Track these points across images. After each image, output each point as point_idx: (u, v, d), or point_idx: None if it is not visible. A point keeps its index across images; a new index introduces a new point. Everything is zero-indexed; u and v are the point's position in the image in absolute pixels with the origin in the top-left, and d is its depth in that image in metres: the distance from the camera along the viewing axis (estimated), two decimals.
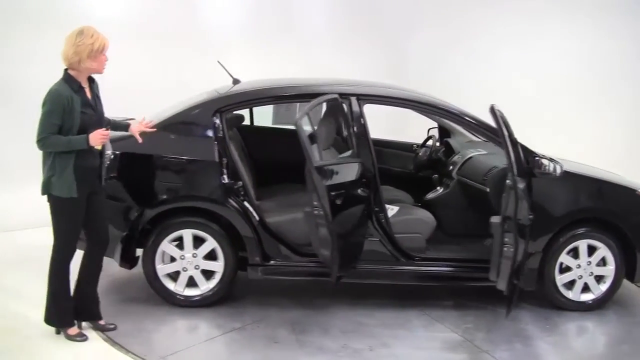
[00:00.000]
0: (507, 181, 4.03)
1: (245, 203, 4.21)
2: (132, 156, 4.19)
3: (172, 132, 4.24)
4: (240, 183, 4.22)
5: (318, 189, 3.58)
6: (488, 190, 4.47)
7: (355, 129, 4.26)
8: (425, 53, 8.88)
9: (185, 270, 4.24)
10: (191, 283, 4.28)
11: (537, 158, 4.16)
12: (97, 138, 3.48)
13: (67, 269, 3.68)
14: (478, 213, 4.89)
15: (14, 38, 5.99)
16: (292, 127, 5.93)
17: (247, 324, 4.08)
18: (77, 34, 3.48)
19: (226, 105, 4.32)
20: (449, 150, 5.46)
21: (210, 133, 4.22)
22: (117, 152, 4.10)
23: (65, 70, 3.54)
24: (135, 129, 3.86)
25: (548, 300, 4.46)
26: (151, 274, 4.24)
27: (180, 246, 4.23)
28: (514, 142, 3.87)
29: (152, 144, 4.19)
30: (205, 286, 4.27)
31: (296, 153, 5.48)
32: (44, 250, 5.15)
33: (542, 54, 7.64)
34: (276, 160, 5.32)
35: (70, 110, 3.44)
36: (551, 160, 4.15)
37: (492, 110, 3.74)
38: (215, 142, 4.20)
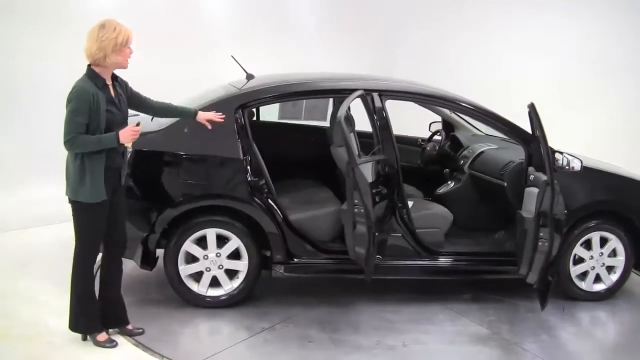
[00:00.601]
0: (532, 176, 4.12)
1: (269, 200, 4.15)
2: (152, 154, 4.07)
3: (194, 129, 4.12)
4: (263, 180, 4.15)
5: (361, 186, 3.55)
6: (505, 184, 4.52)
7: (378, 124, 4.24)
8: (414, 51, 8.87)
9: (208, 271, 4.15)
10: (213, 283, 4.19)
11: (557, 154, 4.24)
12: (128, 135, 3.34)
13: (91, 272, 3.56)
14: (490, 207, 4.97)
15: (14, 37, 5.78)
16: (297, 122, 5.94)
17: (275, 324, 4.02)
18: (99, 28, 3.32)
19: (251, 101, 4.24)
20: (455, 144, 5.50)
21: (233, 129, 4.12)
22: (135, 149, 3.98)
23: (89, 66, 3.39)
24: (203, 118, 3.85)
25: (561, 291, 4.56)
26: (174, 276, 4.13)
27: (203, 246, 4.14)
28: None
29: (173, 141, 4.10)
30: (229, 286, 4.19)
31: (302, 149, 5.49)
32: (47, 249, 5.02)
33: (541, 51, 7.67)
34: (282, 156, 5.24)
35: (97, 108, 3.29)
36: (571, 155, 4.23)
37: (533, 108, 3.78)
38: (239, 139, 4.12)
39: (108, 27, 3.33)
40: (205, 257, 4.13)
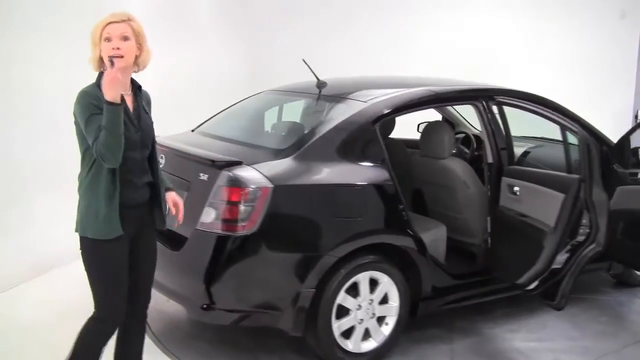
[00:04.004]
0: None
1: (414, 230, 3.56)
2: (296, 188, 3.18)
3: (334, 154, 3.35)
4: (402, 206, 3.53)
5: (597, 207, 3.22)
6: None
7: (495, 131, 3.93)
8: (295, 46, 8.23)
9: (361, 323, 3.42)
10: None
11: None
12: (106, 84, 2.33)
13: (102, 342, 2.62)
14: None
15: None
16: None
17: None
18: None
19: (386, 114, 3.58)
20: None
21: (379, 149, 3.44)
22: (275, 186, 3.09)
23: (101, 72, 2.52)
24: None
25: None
26: (325, 336, 3.30)
27: (353, 294, 3.39)
28: None
29: (314, 169, 3.26)
30: (380, 336, 3.51)
31: None
32: None
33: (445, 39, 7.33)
34: None
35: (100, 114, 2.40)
36: None
37: None
38: (382, 161, 3.45)
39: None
40: (359, 307, 3.39)
